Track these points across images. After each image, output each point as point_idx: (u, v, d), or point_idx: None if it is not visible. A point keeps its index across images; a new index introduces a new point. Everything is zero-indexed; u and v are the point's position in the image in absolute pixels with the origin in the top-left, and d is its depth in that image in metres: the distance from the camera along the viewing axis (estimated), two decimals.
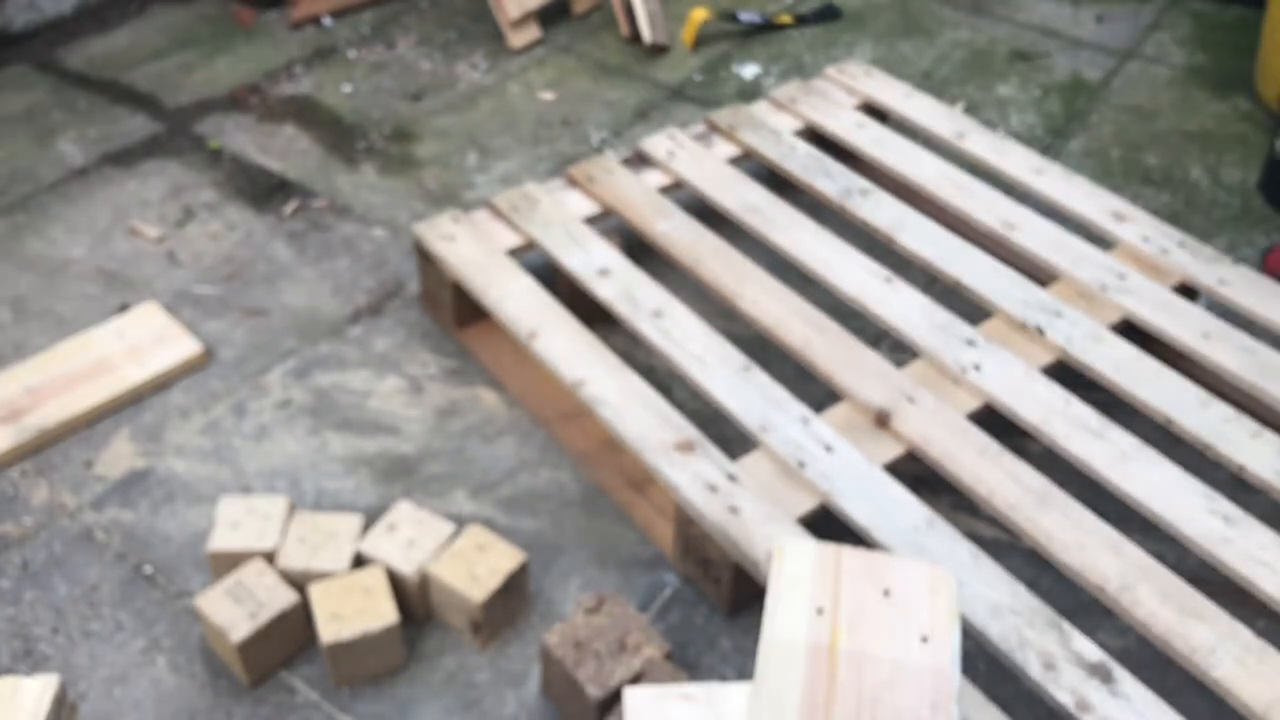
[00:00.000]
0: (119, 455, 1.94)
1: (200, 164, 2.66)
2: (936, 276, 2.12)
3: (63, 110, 2.84)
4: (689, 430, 1.76)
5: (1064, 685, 1.44)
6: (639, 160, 2.36)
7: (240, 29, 3.23)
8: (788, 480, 1.69)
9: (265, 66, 3.05)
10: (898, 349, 2.11)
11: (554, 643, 1.52)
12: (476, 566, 1.62)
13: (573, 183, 2.28)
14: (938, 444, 1.73)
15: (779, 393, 1.82)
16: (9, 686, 1.00)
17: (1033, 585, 1.70)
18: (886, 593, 0.98)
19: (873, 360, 1.88)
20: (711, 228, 2.19)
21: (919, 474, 1.77)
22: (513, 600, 1.66)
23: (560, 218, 2.16)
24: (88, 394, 2.00)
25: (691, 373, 1.85)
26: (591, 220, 2.20)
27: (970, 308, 2.08)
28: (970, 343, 1.91)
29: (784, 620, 0.96)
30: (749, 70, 3.05)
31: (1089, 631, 1.64)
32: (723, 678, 1.63)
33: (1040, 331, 1.93)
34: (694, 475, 1.68)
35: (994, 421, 1.80)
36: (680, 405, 1.94)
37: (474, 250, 2.08)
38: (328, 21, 3.27)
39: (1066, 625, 1.51)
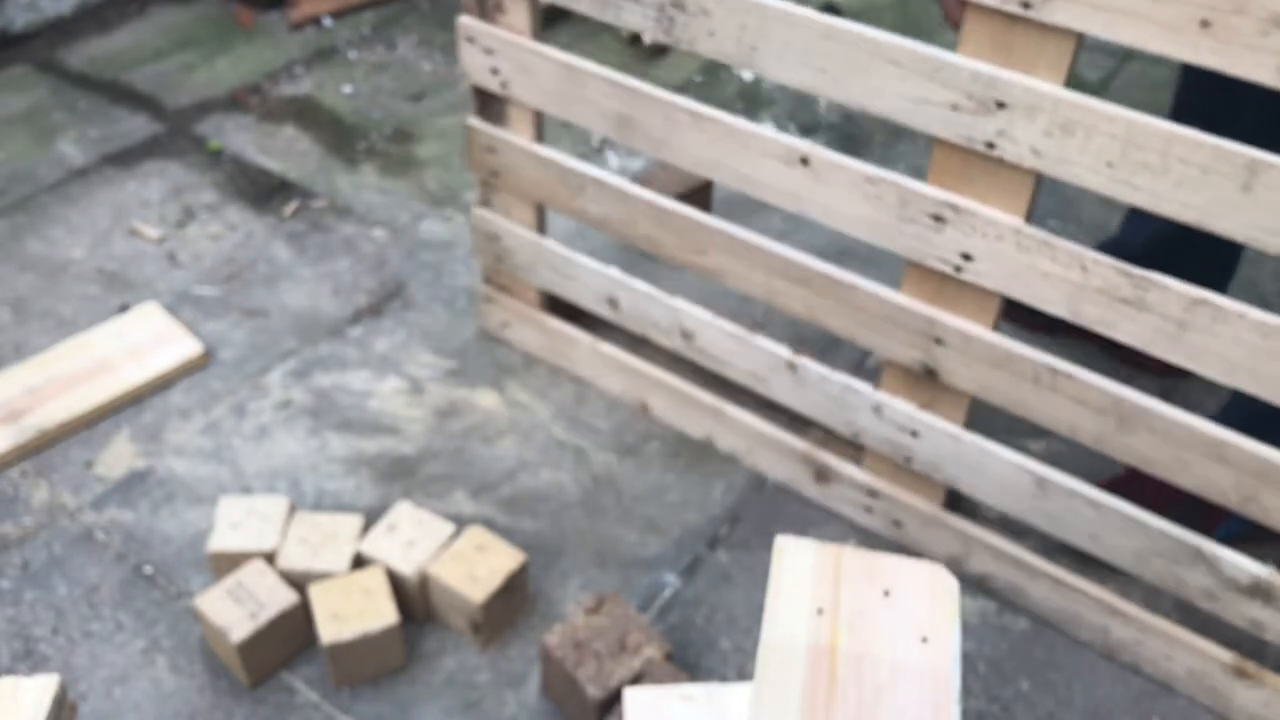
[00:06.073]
0: (119, 455, 1.94)
1: (200, 165, 2.66)
2: None
3: (63, 111, 2.84)
4: None
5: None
6: None
7: (240, 29, 3.23)
8: None
9: (266, 67, 3.05)
10: None
11: (554, 643, 1.52)
12: (476, 567, 1.62)
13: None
14: None
15: None
16: (9, 686, 1.00)
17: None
18: (887, 593, 0.98)
19: None
20: None
21: None
22: (513, 601, 1.66)
23: None
24: (88, 394, 2.00)
25: None
26: None
27: None
28: None
29: (784, 621, 0.96)
30: (749, 71, 3.04)
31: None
32: (723, 678, 1.63)
33: None
34: None
35: None
36: None
37: None
38: (328, 22, 3.27)
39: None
